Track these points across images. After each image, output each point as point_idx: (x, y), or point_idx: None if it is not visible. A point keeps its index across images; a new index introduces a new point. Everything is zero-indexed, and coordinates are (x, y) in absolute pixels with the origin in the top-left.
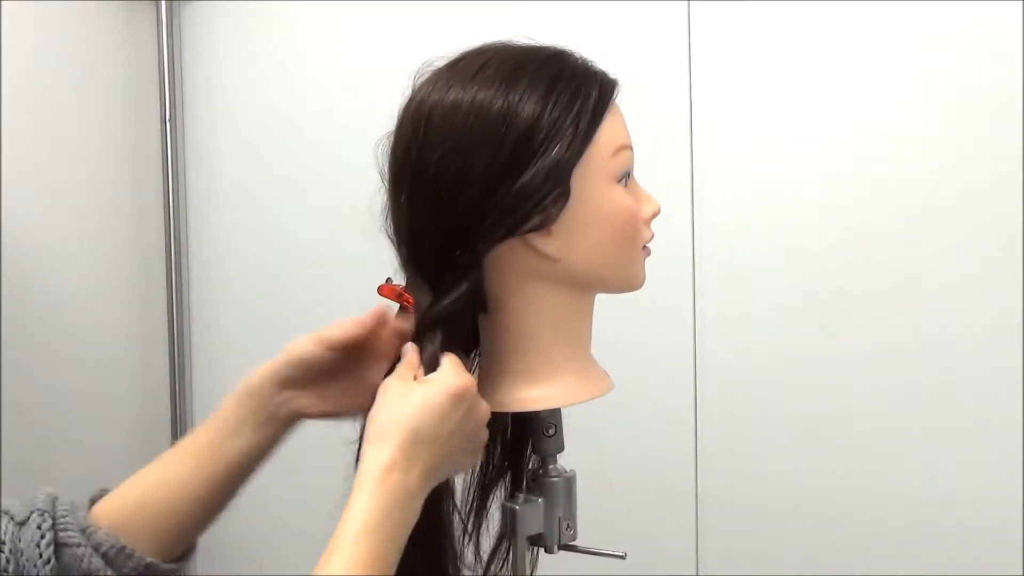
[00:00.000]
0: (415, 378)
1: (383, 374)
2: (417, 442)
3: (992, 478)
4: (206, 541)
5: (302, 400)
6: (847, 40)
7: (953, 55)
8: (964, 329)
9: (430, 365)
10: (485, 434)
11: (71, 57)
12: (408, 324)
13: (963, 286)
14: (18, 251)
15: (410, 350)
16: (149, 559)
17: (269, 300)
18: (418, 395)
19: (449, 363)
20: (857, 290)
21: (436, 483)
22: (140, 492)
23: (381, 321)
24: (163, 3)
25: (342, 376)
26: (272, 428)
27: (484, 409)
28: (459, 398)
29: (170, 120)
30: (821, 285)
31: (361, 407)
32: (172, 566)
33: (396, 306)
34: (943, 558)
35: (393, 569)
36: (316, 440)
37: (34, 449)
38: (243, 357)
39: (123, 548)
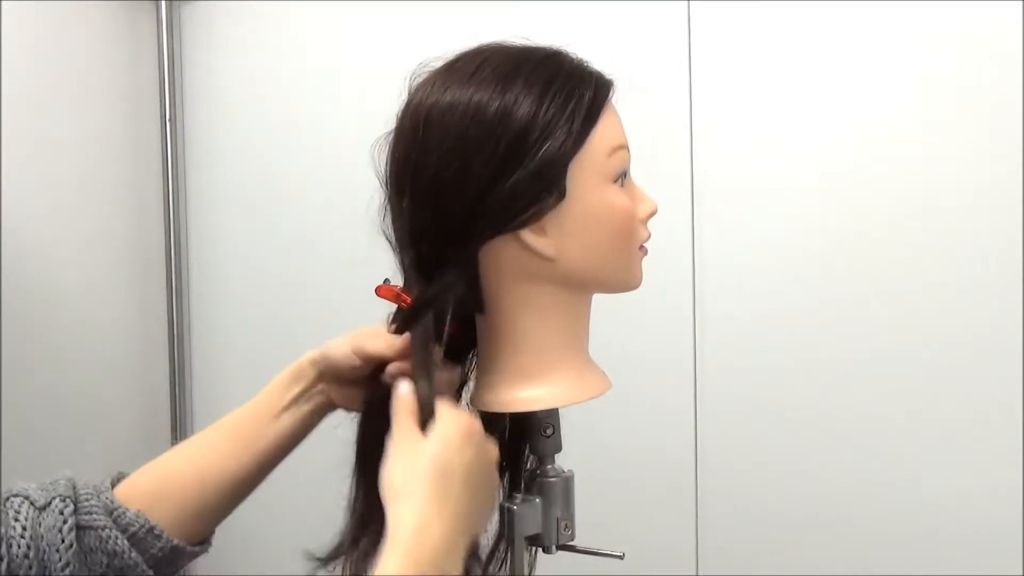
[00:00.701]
0: (416, 419)
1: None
2: (442, 491)
3: (992, 477)
4: None
5: (333, 393)
6: (847, 40)
7: (953, 55)
8: (964, 329)
9: (422, 364)
10: (497, 476)
11: (71, 57)
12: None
13: (963, 286)
14: (18, 251)
15: (404, 391)
16: (176, 541)
17: (269, 300)
18: (430, 444)
19: (446, 409)
20: (857, 290)
21: (469, 534)
22: (168, 472)
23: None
24: (163, 3)
25: (367, 378)
26: (308, 413)
27: (493, 449)
28: (469, 435)
29: (170, 120)
30: (821, 285)
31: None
32: (196, 548)
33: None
34: (943, 558)
35: None
36: (316, 440)
37: (34, 449)
38: (243, 357)
39: (152, 528)
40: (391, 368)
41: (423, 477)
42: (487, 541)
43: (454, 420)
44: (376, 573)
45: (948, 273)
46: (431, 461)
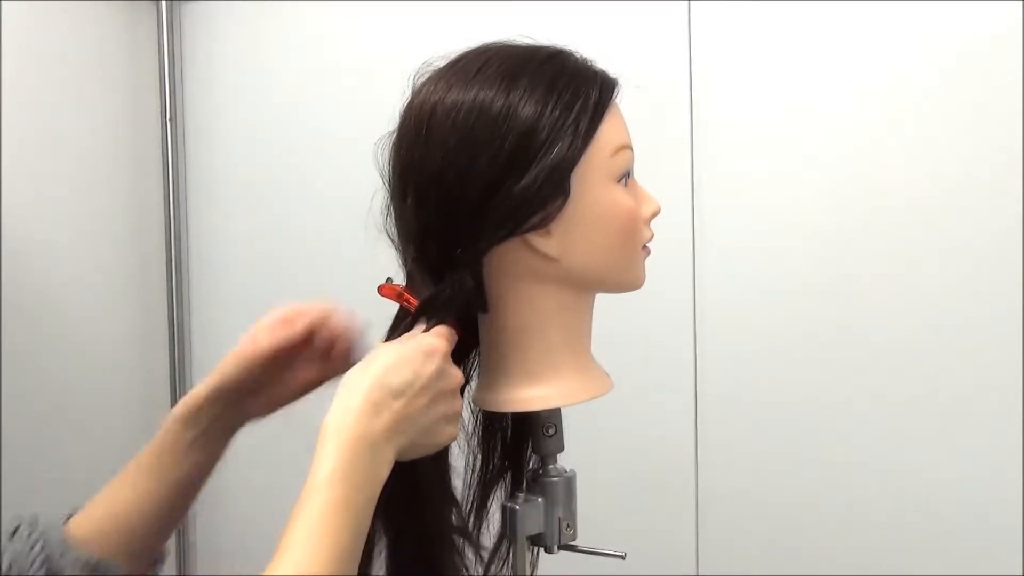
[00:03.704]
0: None
1: (316, 368)
2: (384, 392)
3: (994, 474)
4: (206, 541)
5: (245, 409)
6: (847, 39)
7: (953, 53)
8: (965, 326)
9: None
10: (459, 403)
11: (71, 57)
12: (345, 325)
13: (964, 283)
14: (18, 251)
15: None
16: (122, 574)
17: (269, 300)
18: (389, 350)
19: (421, 331)
20: (857, 288)
21: (409, 445)
22: (108, 508)
23: (317, 326)
24: (163, 3)
25: (279, 374)
26: (220, 441)
27: (456, 374)
28: (429, 354)
29: (170, 119)
30: (821, 283)
31: (298, 396)
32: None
33: (338, 308)
34: (944, 557)
35: (365, 517)
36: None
37: (34, 449)
38: None
39: (98, 563)
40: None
41: (369, 376)
42: (489, 541)
43: (420, 336)
44: (312, 462)
45: (948, 271)
46: (383, 363)
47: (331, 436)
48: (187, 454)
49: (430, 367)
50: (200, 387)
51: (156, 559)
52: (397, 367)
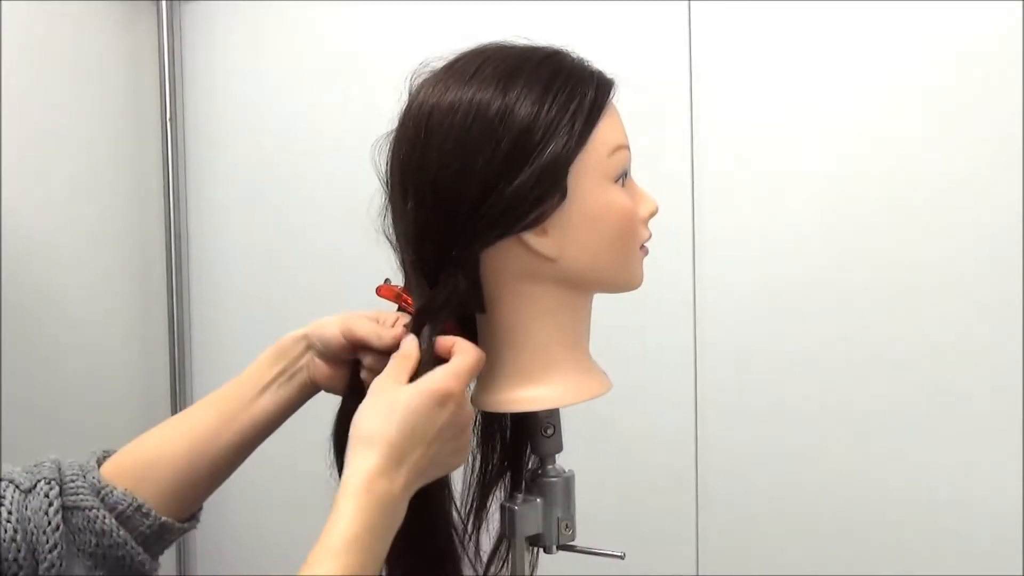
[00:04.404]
0: (409, 375)
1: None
2: (401, 448)
3: (993, 474)
4: (206, 542)
5: (322, 369)
6: (848, 40)
7: (953, 55)
8: (965, 325)
9: (427, 358)
10: (469, 436)
11: (71, 57)
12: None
13: (964, 282)
14: (18, 251)
15: (409, 342)
16: (164, 518)
17: (269, 299)
18: (402, 400)
19: (439, 368)
20: (858, 287)
21: (421, 485)
22: (153, 449)
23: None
24: (163, 3)
25: (350, 362)
26: (293, 389)
27: (468, 412)
28: (442, 402)
29: (170, 119)
30: (821, 282)
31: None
32: (184, 525)
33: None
34: (944, 556)
35: (376, 571)
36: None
37: (34, 448)
38: (243, 357)
39: (140, 507)
40: (368, 360)
41: (385, 432)
42: (489, 541)
43: (433, 380)
44: (330, 518)
45: (949, 270)
46: (404, 411)
47: (351, 496)
48: (259, 396)
49: (444, 415)
50: (299, 329)
51: (191, 515)
52: (412, 421)
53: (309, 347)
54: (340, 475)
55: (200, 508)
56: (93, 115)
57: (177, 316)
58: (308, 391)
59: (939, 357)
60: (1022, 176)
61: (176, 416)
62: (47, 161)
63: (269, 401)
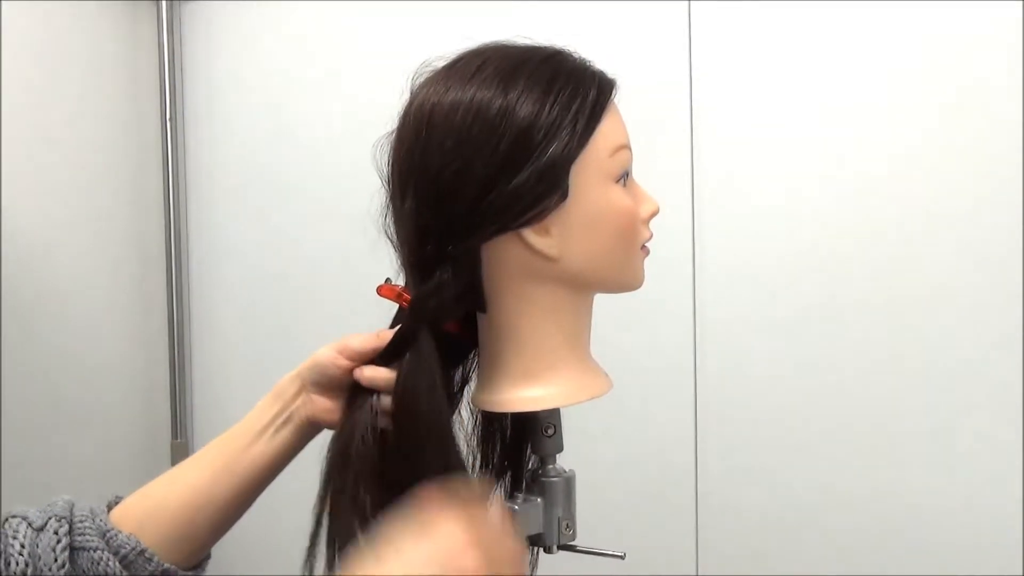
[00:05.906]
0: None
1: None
2: None
3: (993, 480)
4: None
5: (320, 405)
6: (848, 40)
7: (953, 55)
8: (966, 332)
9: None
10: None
11: (71, 57)
12: None
13: (965, 289)
14: (18, 251)
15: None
16: (167, 565)
17: (269, 300)
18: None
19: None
20: (858, 292)
21: None
22: (158, 496)
23: None
24: (163, 3)
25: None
26: (291, 432)
27: (516, 548)
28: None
29: (170, 119)
30: (822, 286)
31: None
32: (188, 573)
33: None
34: (943, 560)
35: None
36: (318, 443)
37: (34, 449)
38: (243, 357)
39: (143, 551)
40: (366, 370)
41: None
42: None
43: (452, 554)
44: None
45: (949, 275)
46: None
47: None
48: (260, 437)
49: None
50: (290, 372)
51: (199, 563)
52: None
53: (304, 385)
54: (321, 496)
55: (207, 556)
56: (93, 115)
57: (177, 316)
58: (307, 432)
59: (942, 367)
60: (1022, 177)
61: (184, 461)
62: (47, 161)
63: (267, 446)
